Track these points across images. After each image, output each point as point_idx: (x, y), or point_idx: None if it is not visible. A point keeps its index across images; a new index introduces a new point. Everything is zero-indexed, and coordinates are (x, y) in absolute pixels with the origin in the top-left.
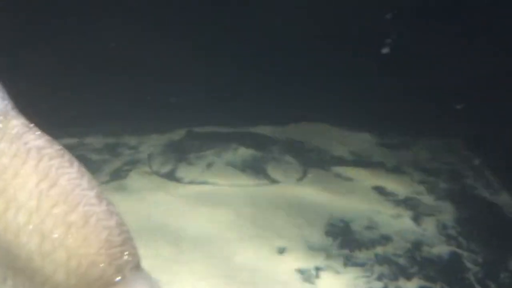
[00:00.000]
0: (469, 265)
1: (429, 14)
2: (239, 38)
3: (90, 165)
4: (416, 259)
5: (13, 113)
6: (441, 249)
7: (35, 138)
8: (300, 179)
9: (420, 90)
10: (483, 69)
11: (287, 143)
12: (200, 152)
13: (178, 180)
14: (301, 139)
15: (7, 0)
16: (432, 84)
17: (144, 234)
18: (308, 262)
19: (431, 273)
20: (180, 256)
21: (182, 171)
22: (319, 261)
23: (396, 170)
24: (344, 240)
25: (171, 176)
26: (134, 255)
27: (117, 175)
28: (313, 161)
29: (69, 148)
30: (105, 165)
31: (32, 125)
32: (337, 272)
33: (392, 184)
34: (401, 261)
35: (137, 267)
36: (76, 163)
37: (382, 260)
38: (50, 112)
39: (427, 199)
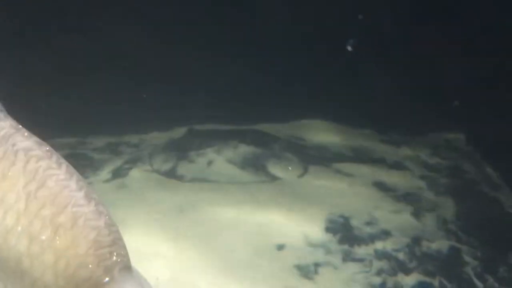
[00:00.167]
0: (468, 259)
1: (429, 13)
2: (240, 36)
3: (92, 164)
4: (415, 254)
5: (0, 115)
6: (441, 244)
7: (23, 140)
8: (300, 176)
9: (421, 87)
10: (484, 66)
11: (288, 140)
12: (201, 150)
13: (178, 178)
14: (301, 136)
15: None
16: (433, 80)
17: (144, 232)
18: (307, 258)
19: (430, 268)
20: (179, 253)
21: (183, 169)
22: (318, 257)
23: (396, 166)
24: (344, 236)
25: (172, 174)
26: (124, 255)
27: (118, 173)
28: (314, 157)
29: (71, 147)
30: (106, 164)
31: (20, 126)
32: (336, 268)
33: (392, 180)
34: (401, 256)
35: (126, 267)
36: (64, 164)
37: (381, 255)
38: (51, 111)
39: (428, 195)
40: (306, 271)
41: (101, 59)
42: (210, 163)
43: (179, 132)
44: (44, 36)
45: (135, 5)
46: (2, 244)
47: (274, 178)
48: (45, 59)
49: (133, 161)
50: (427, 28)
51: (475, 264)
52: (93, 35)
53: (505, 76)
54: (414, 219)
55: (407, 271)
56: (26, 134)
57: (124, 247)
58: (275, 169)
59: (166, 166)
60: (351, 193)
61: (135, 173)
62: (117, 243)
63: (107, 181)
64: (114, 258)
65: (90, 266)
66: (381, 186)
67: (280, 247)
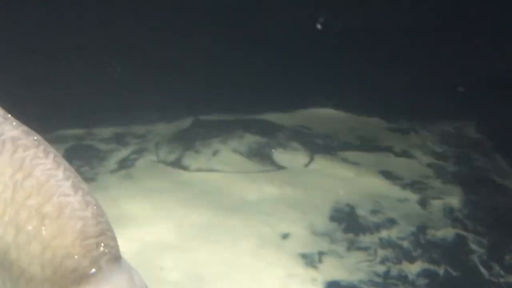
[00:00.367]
0: (474, 247)
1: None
2: (245, 25)
3: (98, 155)
4: (420, 243)
5: None
6: (446, 232)
7: (11, 129)
8: (306, 165)
9: (430, 74)
10: (496, 54)
11: (294, 129)
12: (206, 140)
13: (184, 168)
14: (308, 125)
15: None
16: (443, 67)
17: (149, 221)
18: (312, 247)
19: (435, 256)
20: (183, 243)
21: (189, 159)
22: (323, 245)
23: (404, 155)
24: (349, 224)
25: (177, 164)
26: (112, 247)
27: (125, 164)
28: (320, 146)
29: (78, 138)
30: (112, 154)
31: (9, 115)
32: (340, 257)
33: (399, 168)
34: (405, 244)
35: (115, 259)
36: (52, 154)
37: (386, 244)
38: (58, 102)
39: (435, 183)
40: (311, 260)
41: (108, 51)
42: (215, 153)
43: (184, 122)
44: (51, 27)
45: None
46: None
47: (279, 168)
48: (53, 49)
49: (139, 152)
50: (439, 18)
51: (481, 252)
52: (100, 26)
53: None
54: (420, 207)
55: (411, 259)
56: (14, 123)
57: (113, 238)
58: (280, 158)
59: (172, 157)
60: (357, 182)
61: (141, 164)
62: (105, 234)
63: (113, 171)
64: (101, 249)
65: (76, 257)
66: (387, 175)
67: (285, 236)
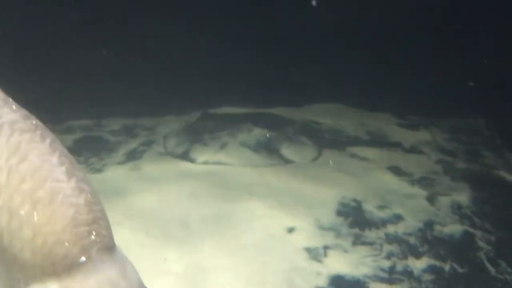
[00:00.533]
0: (481, 244)
1: None
2: (255, 22)
3: (107, 146)
4: (427, 238)
5: None
6: (454, 229)
7: (10, 113)
8: (314, 159)
9: (442, 69)
10: (507, 50)
11: (302, 124)
12: (215, 133)
13: (192, 161)
14: (316, 120)
15: None
16: (452, 63)
17: (155, 213)
18: (317, 241)
19: (441, 252)
20: (189, 235)
21: (196, 152)
22: (328, 240)
23: (413, 151)
24: (355, 219)
25: (185, 157)
26: (104, 236)
27: (133, 155)
28: (329, 141)
29: (87, 129)
30: (121, 146)
31: (10, 99)
32: (345, 251)
33: (408, 164)
34: (412, 240)
35: (106, 248)
36: (48, 139)
37: (392, 239)
38: (69, 94)
39: (443, 179)
40: (315, 254)
41: (120, 45)
42: (223, 146)
43: (193, 115)
44: (64, 22)
45: None
46: None
47: (287, 161)
48: (64, 44)
49: (148, 144)
50: (448, 16)
51: (488, 249)
52: (113, 23)
53: None
54: (428, 203)
55: (417, 255)
56: (14, 107)
57: (107, 227)
58: (288, 152)
59: (180, 149)
60: (365, 177)
61: (149, 156)
62: (98, 222)
63: (121, 162)
64: (93, 237)
65: (66, 244)
66: (396, 171)
67: (290, 230)
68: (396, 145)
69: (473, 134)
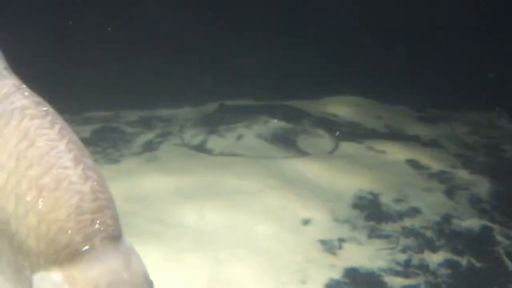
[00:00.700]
0: (500, 238)
1: None
2: (273, 13)
3: (124, 137)
4: (444, 232)
5: (4, 73)
6: (472, 223)
7: (21, 99)
8: (331, 152)
9: (462, 61)
10: None
11: (319, 116)
12: (231, 125)
13: (208, 152)
14: (333, 112)
15: None
16: (472, 55)
17: (171, 203)
18: (332, 234)
19: (458, 247)
20: (203, 225)
21: (212, 143)
22: (344, 232)
23: (432, 144)
24: (371, 212)
25: (201, 148)
26: (109, 225)
27: (150, 146)
28: (346, 134)
29: (105, 120)
30: (138, 137)
31: (23, 85)
32: (361, 244)
33: (426, 158)
34: (429, 234)
35: (111, 238)
36: (58, 125)
37: (408, 232)
38: (87, 86)
39: (463, 173)
40: (330, 246)
41: (137, 37)
42: (239, 137)
43: (210, 107)
44: (87, 15)
45: None
46: None
47: (303, 154)
48: (84, 35)
49: (164, 135)
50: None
51: (506, 243)
52: (131, 13)
53: None
54: (446, 197)
55: (434, 249)
56: (26, 93)
57: (112, 217)
58: (305, 144)
59: (196, 140)
60: (382, 170)
61: (166, 147)
62: (103, 211)
63: (138, 153)
64: (97, 226)
65: (69, 231)
66: (414, 164)
67: (305, 222)
68: (414, 138)
69: (493, 128)
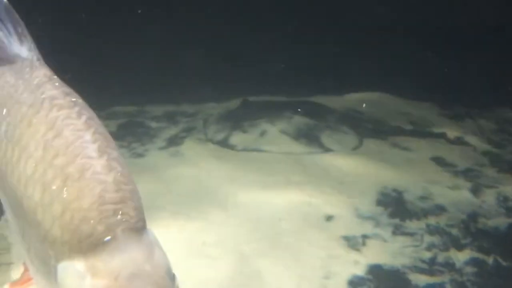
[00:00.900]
0: None
1: None
2: (294, 8)
3: (149, 132)
4: (470, 231)
5: (37, 64)
6: (499, 221)
7: (52, 89)
8: (355, 148)
9: (489, 58)
10: None
11: (343, 113)
12: (255, 120)
13: (231, 147)
14: (358, 109)
15: None
16: (499, 51)
17: (194, 198)
18: (355, 230)
19: (485, 245)
20: (227, 219)
21: (236, 139)
22: (367, 229)
23: (458, 141)
24: (396, 209)
25: (224, 143)
26: (132, 216)
27: (174, 141)
28: (370, 130)
29: (130, 115)
30: (162, 132)
31: (54, 76)
32: (385, 241)
33: (452, 155)
34: (454, 232)
35: (133, 229)
36: (85, 116)
37: (433, 230)
38: (113, 81)
39: (489, 171)
40: (354, 242)
41: (163, 33)
42: (263, 133)
43: (234, 103)
44: (116, 16)
45: None
46: (23, 193)
47: (327, 150)
48: (110, 33)
49: (188, 130)
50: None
51: None
52: (160, 15)
53: None
54: (472, 195)
55: (459, 247)
56: (57, 84)
57: (135, 208)
58: (328, 141)
59: (220, 136)
60: (407, 167)
61: (190, 142)
62: (125, 202)
63: (162, 148)
64: (119, 217)
65: (92, 221)
66: (439, 161)
67: (329, 218)
68: (440, 135)
69: None
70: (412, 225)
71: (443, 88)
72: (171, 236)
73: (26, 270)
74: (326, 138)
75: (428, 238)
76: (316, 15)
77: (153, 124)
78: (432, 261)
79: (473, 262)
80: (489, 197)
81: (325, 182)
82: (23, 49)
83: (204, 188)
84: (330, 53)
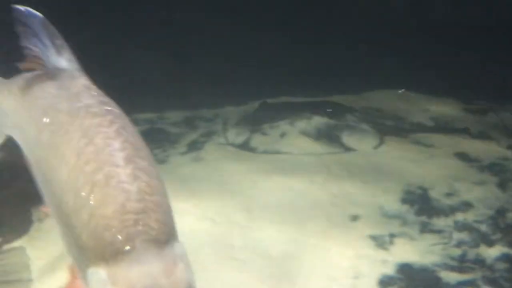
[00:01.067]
0: None
1: None
2: (312, 8)
3: (169, 138)
4: (499, 226)
5: (77, 74)
6: None
7: (88, 98)
8: (376, 147)
9: (509, 52)
10: None
11: (363, 111)
12: (274, 123)
13: (252, 150)
14: (377, 107)
15: None
16: None
17: (218, 201)
18: (382, 229)
19: None
20: (251, 222)
21: (256, 141)
22: (394, 228)
23: (481, 136)
24: (422, 207)
25: (245, 146)
26: (153, 228)
27: (194, 146)
28: (391, 128)
29: (150, 122)
30: (183, 137)
31: (92, 85)
32: (413, 239)
33: (476, 150)
34: (483, 228)
35: (154, 241)
36: (117, 124)
37: (462, 227)
38: (134, 88)
39: None
40: (381, 241)
41: (180, 38)
42: (283, 135)
43: (252, 105)
44: (135, 23)
45: None
46: (61, 198)
47: (348, 149)
48: (128, 40)
49: (208, 135)
50: None
51: None
52: (174, 21)
53: None
54: (499, 190)
55: (490, 243)
56: (94, 93)
57: (158, 220)
58: (349, 140)
59: (240, 139)
60: (431, 164)
61: (210, 146)
62: (147, 212)
63: (183, 153)
64: (139, 227)
65: (113, 229)
66: (463, 157)
67: (354, 218)
68: (463, 131)
69: None
70: (440, 222)
71: (464, 83)
72: (197, 240)
73: (73, 274)
74: (346, 138)
75: (457, 235)
76: (332, 14)
77: (173, 130)
78: (462, 258)
79: (504, 257)
80: None
81: (348, 182)
82: (63, 61)
83: (227, 192)
84: (347, 52)
